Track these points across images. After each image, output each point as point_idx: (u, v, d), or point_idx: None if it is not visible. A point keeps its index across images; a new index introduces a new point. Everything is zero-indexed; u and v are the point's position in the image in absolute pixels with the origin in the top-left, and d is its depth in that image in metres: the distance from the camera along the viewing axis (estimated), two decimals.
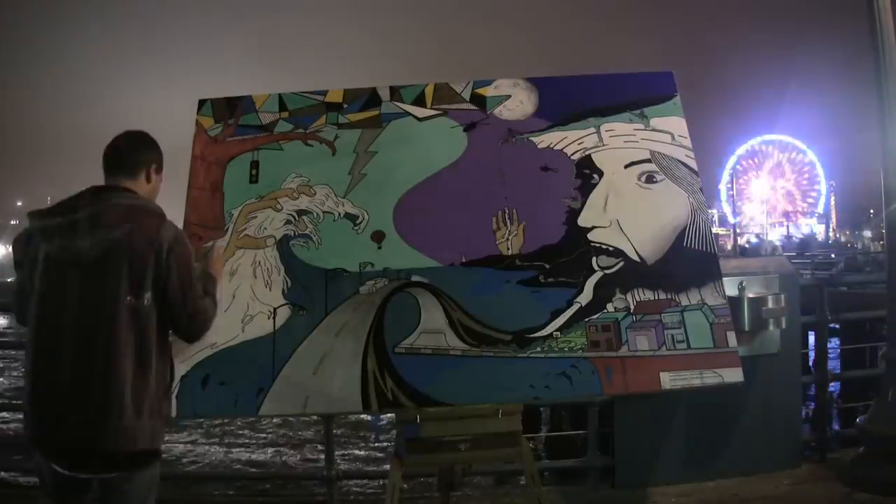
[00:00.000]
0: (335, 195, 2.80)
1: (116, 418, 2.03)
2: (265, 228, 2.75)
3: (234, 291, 2.63)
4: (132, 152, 2.30)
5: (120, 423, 2.04)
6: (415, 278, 2.64)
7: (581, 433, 4.50)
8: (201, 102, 3.04)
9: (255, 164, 2.89)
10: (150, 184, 2.31)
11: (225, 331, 2.56)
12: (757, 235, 58.12)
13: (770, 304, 3.92)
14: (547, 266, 2.66)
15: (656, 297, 2.62)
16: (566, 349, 2.53)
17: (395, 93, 2.98)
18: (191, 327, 2.28)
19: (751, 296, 3.93)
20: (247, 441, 12.06)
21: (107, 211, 2.14)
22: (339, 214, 2.77)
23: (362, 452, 11.13)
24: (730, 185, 65.97)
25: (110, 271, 2.08)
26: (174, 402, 2.49)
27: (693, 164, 2.89)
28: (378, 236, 2.73)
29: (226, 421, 12.12)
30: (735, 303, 3.73)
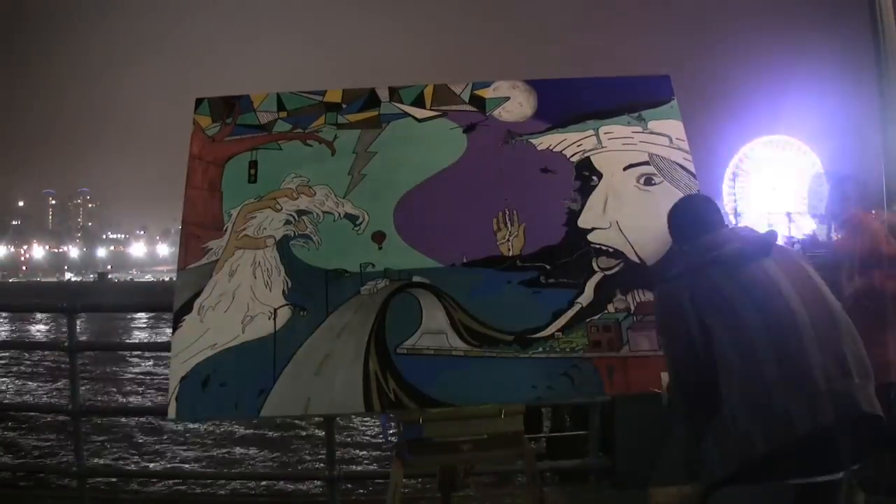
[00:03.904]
0: (335, 195, 2.80)
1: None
2: (265, 229, 2.75)
3: (233, 292, 2.64)
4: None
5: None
6: (416, 279, 2.64)
7: (582, 433, 4.49)
8: (198, 101, 3.03)
9: (253, 164, 2.89)
10: None
11: (225, 331, 2.56)
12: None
13: None
14: (548, 267, 2.66)
15: None
16: (568, 349, 2.53)
17: (394, 93, 2.99)
18: None
19: None
20: (248, 441, 12.06)
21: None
22: (340, 215, 2.77)
23: (363, 452, 11.13)
24: (731, 186, 65.91)
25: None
26: (173, 403, 2.50)
27: (691, 167, 2.89)
28: (379, 237, 2.73)
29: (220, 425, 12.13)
30: None
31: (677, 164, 2.88)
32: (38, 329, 35.02)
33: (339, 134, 2.92)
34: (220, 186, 2.85)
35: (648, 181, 2.84)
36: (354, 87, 3.04)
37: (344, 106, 2.98)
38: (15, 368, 21.71)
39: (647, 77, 3.08)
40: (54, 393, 17.77)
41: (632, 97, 2.98)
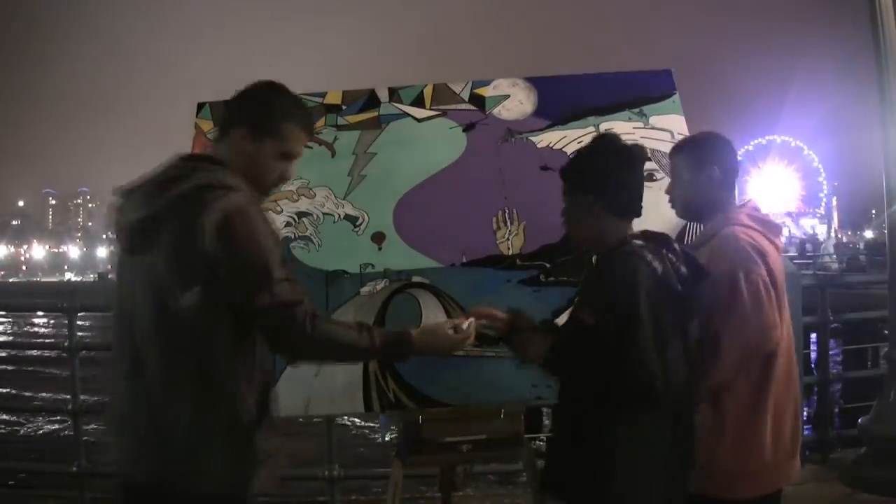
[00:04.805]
0: (335, 197, 2.80)
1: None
2: None
3: None
4: (227, 107, 1.75)
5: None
6: (415, 279, 2.64)
7: None
8: (200, 106, 3.03)
9: None
10: (238, 153, 1.67)
11: None
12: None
13: None
14: (548, 265, 2.66)
15: None
16: None
17: (393, 94, 2.98)
18: (279, 337, 1.61)
19: None
20: None
21: (167, 172, 1.61)
22: (339, 216, 2.77)
23: (364, 451, 11.12)
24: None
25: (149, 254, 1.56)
26: None
27: None
28: (378, 237, 2.73)
29: None
30: None
31: None
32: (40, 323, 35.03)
33: (339, 135, 2.92)
34: None
35: (649, 177, 2.83)
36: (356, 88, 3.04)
37: (344, 107, 2.98)
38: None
39: (649, 72, 3.07)
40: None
41: (633, 92, 2.97)
